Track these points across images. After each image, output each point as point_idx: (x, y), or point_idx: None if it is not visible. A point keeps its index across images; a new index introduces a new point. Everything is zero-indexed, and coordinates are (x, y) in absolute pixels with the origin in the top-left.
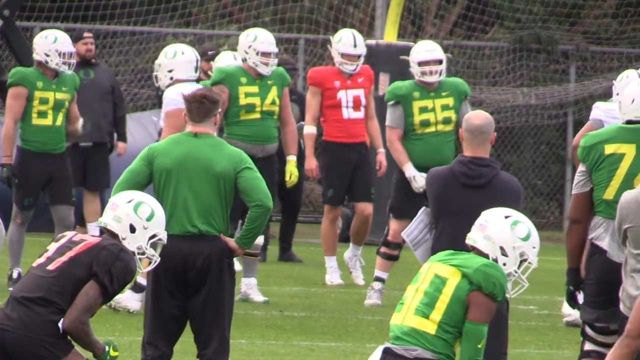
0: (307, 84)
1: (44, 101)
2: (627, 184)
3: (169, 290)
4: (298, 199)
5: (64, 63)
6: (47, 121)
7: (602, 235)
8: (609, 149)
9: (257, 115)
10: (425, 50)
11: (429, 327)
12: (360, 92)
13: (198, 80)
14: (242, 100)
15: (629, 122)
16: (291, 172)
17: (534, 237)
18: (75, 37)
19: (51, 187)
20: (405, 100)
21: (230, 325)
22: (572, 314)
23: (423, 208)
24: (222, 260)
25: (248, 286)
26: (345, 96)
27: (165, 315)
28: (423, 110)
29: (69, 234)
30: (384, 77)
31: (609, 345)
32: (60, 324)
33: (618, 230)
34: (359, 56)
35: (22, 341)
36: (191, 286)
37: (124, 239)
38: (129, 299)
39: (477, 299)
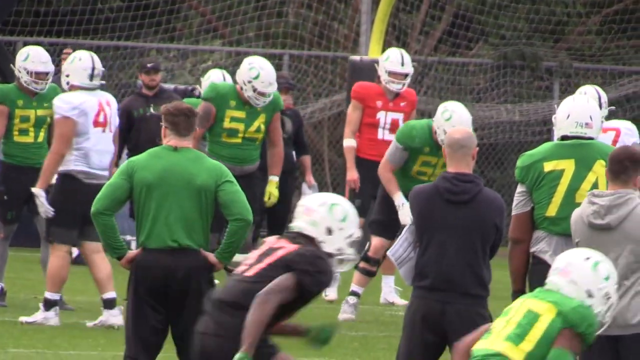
0: (350, 97)
1: (24, 119)
2: (569, 199)
3: (150, 305)
4: (285, 216)
5: (34, 82)
6: (29, 138)
7: (544, 249)
8: (548, 166)
9: (239, 140)
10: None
11: (517, 355)
12: (400, 117)
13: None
14: (226, 124)
15: (564, 137)
16: (270, 193)
17: (614, 274)
18: (58, 54)
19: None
20: (414, 151)
21: None
22: None
23: (407, 226)
24: (203, 274)
25: None
26: (384, 117)
27: (146, 329)
28: (426, 164)
29: (270, 241)
30: None
31: None
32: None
33: (574, 244)
34: (405, 75)
35: (221, 346)
36: (172, 300)
37: (321, 242)
38: (107, 317)
39: (568, 334)
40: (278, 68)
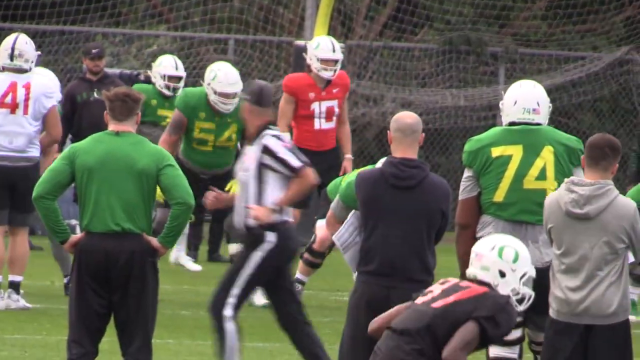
0: (282, 90)
1: None
2: (517, 185)
3: (92, 288)
4: None
5: None
6: None
7: (491, 234)
8: (496, 151)
9: (209, 149)
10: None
11: None
12: (334, 103)
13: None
14: (196, 134)
15: (511, 123)
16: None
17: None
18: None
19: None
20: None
21: (155, 324)
22: None
23: (353, 211)
24: (145, 258)
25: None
26: (318, 107)
27: (89, 313)
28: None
29: (455, 280)
30: None
31: (512, 343)
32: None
33: (545, 231)
34: (336, 61)
35: None
36: (114, 284)
37: (496, 285)
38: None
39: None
40: (223, 52)
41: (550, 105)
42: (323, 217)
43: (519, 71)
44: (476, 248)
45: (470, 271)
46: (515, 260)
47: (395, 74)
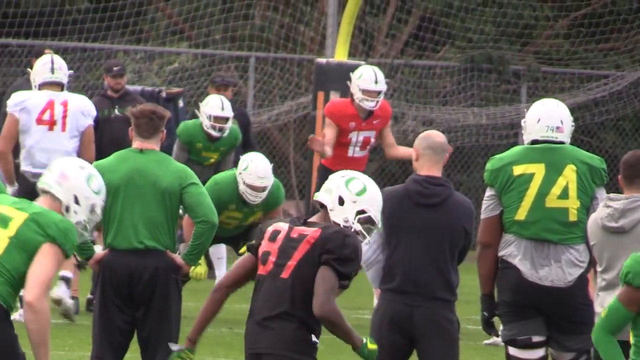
0: (324, 114)
1: None
2: (538, 203)
3: (116, 305)
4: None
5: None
6: None
7: (513, 253)
8: (518, 170)
9: (230, 227)
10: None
11: None
12: (371, 134)
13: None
14: (221, 219)
15: (534, 142)
16: None
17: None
18: (36, 54)
19: None
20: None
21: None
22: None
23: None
24: (169, 275)
25: None
26: (356, 137)
27: (113, 329)
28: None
29: (280, 229)
30: (334, 96)
31: None
32: (313, 338)
33: (591, 251)
34: (379, 92)
35: None
36: (138, 300)
37: (331, 210)
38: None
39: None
40: (244, 70)
41: (573, 124)
42: None
43: (541, 90)
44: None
45: (317, 193)
46: (360, 193)
47: (416, 92)
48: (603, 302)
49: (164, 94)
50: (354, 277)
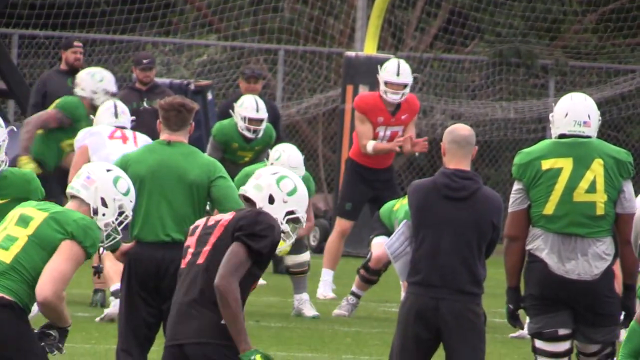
0: (354, 108)
1: None
2: (567, 197)
3: (142, 298)
4: None
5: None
6: None
7: (540, 246)
8: (546, 164)
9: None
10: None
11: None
12: (399, 129)
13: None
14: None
15: (562, 136)
16: None
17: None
18: (65, 46)
19: None
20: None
21: None
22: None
23: (405, 221)
24: None
25: (300, 302)
26: (383, 131)
27: (139, 322)
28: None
29: (200, 223)
30: (363, 89)
31: (560, 355)
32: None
33: (634, 244)
34: (404, 85)
35: (202, 350)
36: (164, 293)
37: (260, 207)
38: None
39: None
40: (273, 63)
41: (600, 118)
42: (379, 235)
43: (568, 84)
44: (260, 169)
45: (244, 187)
46: (291, 193)
47: (445, 86)
48: None
49: (192, 87)
50: (267, 258)
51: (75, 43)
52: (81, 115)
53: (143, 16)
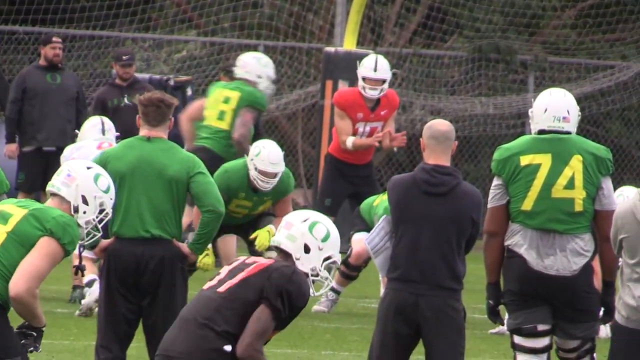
0: (333, 104)
1: None
2: (545, 194)
3: (122, 294)
4: None
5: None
6: None
7: (519, 242)
8: (524, 160)
9: (239, 216)
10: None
11: None
12: (379, 125)
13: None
14: (231, 207)
15: (541, 131)
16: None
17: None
18: (44, 41)
19: None
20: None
21: None
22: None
23: (384, 216)
24: (175, 264)
25: None
26: (363, 127)
27: (118, 318)
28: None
29: (241, 258)
30: (342, 85)
31: (539, 351)
32: (226, 348)
33: (613, 241)
34: (382, 80)
35: None
36: (144, 289)
37: (297, 259)
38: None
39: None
40: None
41: (580, 113)
42: (359, 231)
43: (548, 79)
44: (288, 217)
45: (276, 238)
46: (325, 239)
47: (424, 81)
48: (634, 293)
49: (172, 82)
50: (285, 320)
51: (55, 39)
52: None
53: (122, 12)
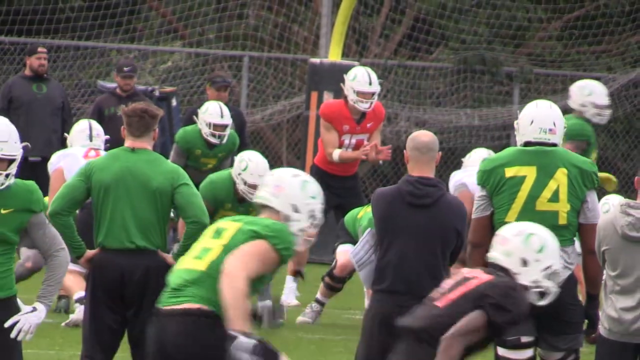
0: (319, 116)
1: None
2: (529, 206)
3: (107, 305)
4: None
5: None
6: None
7: None
8: (509, 172)
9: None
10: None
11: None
12: (364, 137)
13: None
14: (217, 218)
15: (527, 143)
16: None
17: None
18: (29, 52)
19: None
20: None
21: None
22: None
23: (369, 229)
24: (160, 275)
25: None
26: (349, 140)
27: (103, 329)
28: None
29: (465, 271)
30: (328, 96)
31: None
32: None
33: (598, 253)
34: (373, 94)
35: None
36: (129, 300)
37: (516, 274)
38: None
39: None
40: (238, 70)
41: (565, 126)
42: (344, 243)
43: (533, 91)
44: (502, 231)
45: (492, 255)
46: (541, 250)
47: (409, 93)
48: (616, 305)
49: (157, 93)
50: (503, 332)
51: (40, 49)
52: None
53: (108, 22)
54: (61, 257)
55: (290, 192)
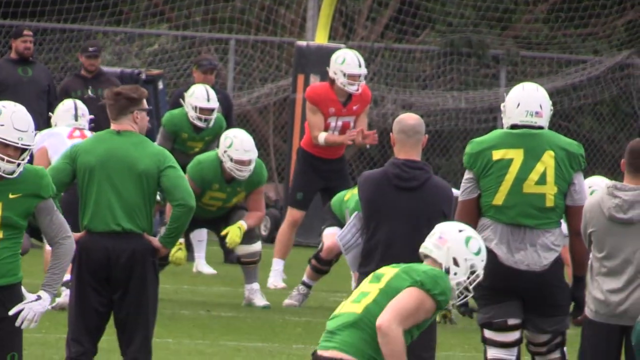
0: (305, 99)
1: None
2: (516, 189)
3: (93, 287)
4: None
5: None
6: None
7: (490, 237)
8: (497, 154)
9: (213, 209)
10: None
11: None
12: (351, 119)
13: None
14: (205, 200)
15: (513, 126)
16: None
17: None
18: (15, 34)
19: None
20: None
21: (155, 324)
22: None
23: (356, 213)
24: (146, 258)
25: (251, 291)
26: (335, 122)
27: (89, 312)
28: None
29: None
30: (314, 79)
31: (510, 345)
32: None
33: (584, 234)
34: (361, 76)
35: None
36: (115, 283)
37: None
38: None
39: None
40: (224, 52)
41: (552, 108)
42: (330, 225)
43: (520, 74)
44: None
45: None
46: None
47: (396, 76)
48: (602, 287)
49: (143, 76)
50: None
51: (25, 32)
52: None
53: (94, 5)
54: (67, 245)
55: (453, 246)
